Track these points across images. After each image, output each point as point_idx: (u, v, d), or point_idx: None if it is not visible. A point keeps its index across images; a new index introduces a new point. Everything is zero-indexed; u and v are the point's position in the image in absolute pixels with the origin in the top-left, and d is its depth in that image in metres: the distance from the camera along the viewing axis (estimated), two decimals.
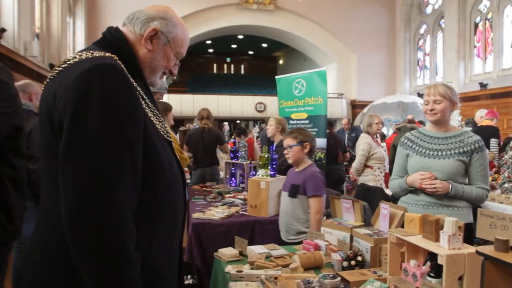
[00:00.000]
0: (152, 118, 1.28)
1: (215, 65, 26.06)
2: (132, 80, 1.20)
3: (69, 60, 1.20)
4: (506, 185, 3.72)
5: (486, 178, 2.35)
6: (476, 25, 13.38)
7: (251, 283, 1.85)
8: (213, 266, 2.34)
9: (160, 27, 1.32)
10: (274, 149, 3.69)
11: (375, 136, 4.92)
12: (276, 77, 5.57)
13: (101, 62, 1.13)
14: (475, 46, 13.43)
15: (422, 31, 16.02)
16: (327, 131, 5.74)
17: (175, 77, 23.04)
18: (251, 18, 15.29)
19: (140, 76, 1.31)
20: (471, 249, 1.46)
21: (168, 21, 1.35)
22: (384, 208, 2.11)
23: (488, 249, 1.08)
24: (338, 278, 1.76)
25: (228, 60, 26.05)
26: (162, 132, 1.32)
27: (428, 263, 1.58)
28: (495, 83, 12.20)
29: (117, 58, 1.21)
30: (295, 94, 5.14)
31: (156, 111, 1.34)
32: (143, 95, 1.27)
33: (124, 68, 1.19)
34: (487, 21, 13.02)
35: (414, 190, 2.43)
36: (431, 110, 2.37)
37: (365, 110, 13.32)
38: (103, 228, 1.01)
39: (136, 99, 1.16)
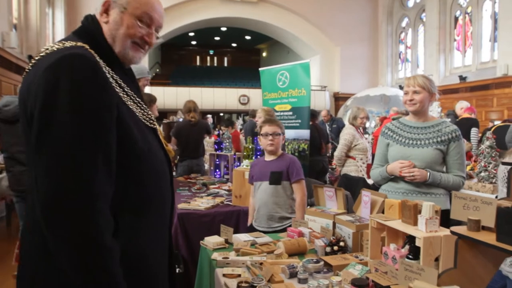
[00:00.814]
0: (131, 106, 1.27)
1: (198, 58, 25.90)
2: (107, 68, 1.20)
3: (42, 52, 1.19)
4: (482, 174, 3.84)
5: (462, 166, 2.44)
6: (456, 19, 13.62)
7: (237, 269, 1.89)
8: (199, 254, 2.38)
9: None
10: (257, 140, 3.72)
11: (358, 128, 5.01)
12: (260, 69, 5.60)
13: (70, 52, 1.12)
14: (455, 40, 13.68)
15: (404, 24, 16.23)
16: (310, 122, 5.81)
17: (157, 70, 22.91)
18: (234, 10, 15.24)
19: (117, 63, 1.29)
20: (447, 231, 1.53)
21: None
22: (366, 196, 2.18)
23: (461, 229, 1.14)
24: (321, 262, 1.82)
25: (211, 52, 25.91)
26: (144, 120, 1.31)
27: (407, 246, 1.65)
28: (474, 76, 12.47)
29: (88, 47, 1.19)
30: (278, 86, 5.17)
31: (137, 99, 1.32)
32: (121, 82, 1.25)
33: (97, 56, 1.18)
34: (466, 15, 13.26)
35: (394, 178, 2.51)
36: (411, 100, 2.44)
37: (348, 102, 13.47)
38: (77, 217, 1.01)
39: (107, 87, 1.14)
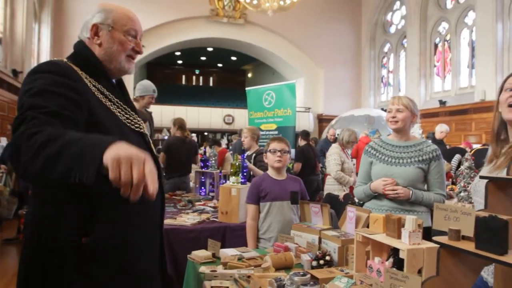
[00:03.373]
0: (114, 110, 1.41)
1: (183, 77, 26.01)
2: (90, 78, 1.40)
3: None
4: (462, 194, 3.96)
5: (443, 185, 2.53)
6: (436, 46, 14.10)
7: (225, 282, 1.92)
8: (186, 268, 2.39)
9: (97, 20, 1.47)
10: (244, 157, 3.78)
11: (345, 150, 5.11)
12: (247, 88, 5.71)
13: (48, 60, 1.43)
14: (435, 65, 14.13)
15: (386, 49, 16.69)
16: (305, 142, 5.91)
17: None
18: (220, 31, 15.46)
19: (104, 75, 1.46)
20: (429, 244, 1.60)
21: (101, 12, 1.49)
22: (351, 211, 2.24)
23: (443, 239, 1.20)
24: (308, 276, 1.85)
25: (197, 72, 26.07)
26: (129, 124, 1.45)
27: (391, 259, 1.70)
28: (453, 100, 12.84)
29: (66, 61, 1.41)
30: (264, 105, 5.28)
31: (123, 105, 1.47)
32: (104, 90, 1.42)
33: (78, 70, 1.39)
34: (446, 42, 13.75)
35: (378, 196, 2.58)
36: (393, 117, 2.54)
37: (333, 122, 13.67)
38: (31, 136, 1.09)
39: (76, 79, 1.34)
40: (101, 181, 0.99)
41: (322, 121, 16.47)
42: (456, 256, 1.20)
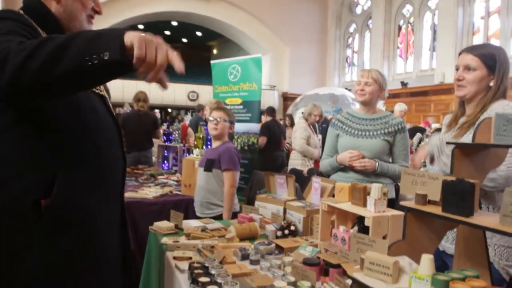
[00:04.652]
0: None
1: None
2: (42, 30, 1.29)
3: None
4: (421, 169, 4.07)
5: (407, 157, 2.57)
6: (400, 28, 14.32)
7: (188, 252, 1.87)
8: (148, 239, 2.32)
9: None
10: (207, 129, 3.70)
11: (311, 125, 5.11)
12: (212, 61, 5.56)
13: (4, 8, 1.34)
14: (398, 47, 14.38)
15: (351, 29, 16.80)
16: (270, 118, 5.86)
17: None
18: (186, 4, 15.01)
19: (60, 32, 1.35)
20: (393, 212, 1.61)
21: None
22: (316, 182, 2.23)
23: (409, 203, 1.20)
24: (273, 245, 1.84)
25: None
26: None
27: (356, 228, 1.71)
28: (414, 82, 13.17)
29: (22, 13, 1.30)
30: (230, 79, 5.16)
31: None
32: None
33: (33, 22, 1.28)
34: (409, 25, 13.99)
35: (344, 168, 2.59)
36: (361, 90, 2.53)
37: (298, 99, 13.71)
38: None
39: (28, 24, 1.24)
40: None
41: (287, 99, 16.50)
42: (422, 221, 1.20)
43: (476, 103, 1.75)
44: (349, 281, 1.30)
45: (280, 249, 1.85)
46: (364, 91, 2.53)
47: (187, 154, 4.30)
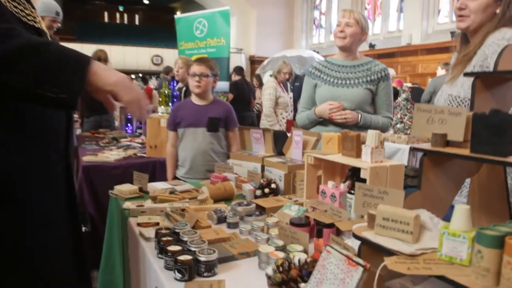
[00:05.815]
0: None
1: (106, 14, 23.88)
2: None
3: None
4: (398, 125, 3.93)
5: (390, 107, 2.38)
6: None
7: (155, 217, 1.62)
8: (109, 206, 2.05)
9: None
10: (175, 86, 3.39)
11: (281, 83, 4.85)
12: (176, 16, 5.16)
13: None
14: (366, 8, 14.12)
15: None
16: (239, 77, 5.56)
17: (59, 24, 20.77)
18: None
19: None
20: (392, 162, 1.41)
21: None
22: (297, 135, 2.00)
23: (426, 146, 0.99)
24: (253, 205, 1.61)
25: (121, 9, 24.03)
26: (19, 15, 1.11)
27: (348, 182, 1.50)
28: (382, 44, 13.04)
29: None
30: (196, 35, 4.80)
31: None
32: None
33: None
34: None
35: (323, 121, 2.37)
36: (341, 31, 2.28)
37: (265, 62, 13.38)
38: None
39: None
40: None
41: (254, 62, 16.10)
42: (440, 167, 0.99)
43: (481, 36, 1.53)
44: (349, 241, 1.09)
45: (261, 210, 1.62)
46: (344, 33, 2.27)
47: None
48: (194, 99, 2.65)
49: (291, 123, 4.85)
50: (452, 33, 10.71)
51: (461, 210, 0.76)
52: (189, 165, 2.59)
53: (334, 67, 2.39)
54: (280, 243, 1.22)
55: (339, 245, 0.98)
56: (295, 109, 5.26)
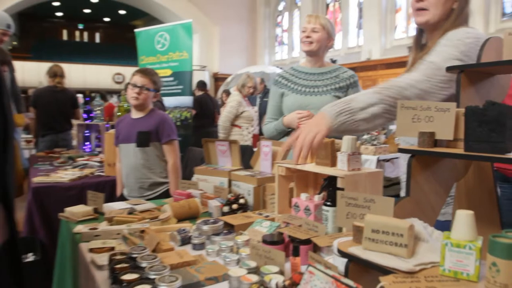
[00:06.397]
0: None
1: (65, 32, 23.26)
2: None
3: None
4: (365, 136, 3.89)
5: None
6: (328, 6, 14.35)
7: (110, 241, 1.44)
8: (60, 230, 1.84)
9: None
10: None
11: (246, 97, 4.74)
12: (136, 30, 4.99)
13: None
14: None
15: (280, 8, 16.59)
16: (202, 92, 5.43)
17: (14, 42, 20.04)
18: None
19: None
20: (369, 169, 1.30)
21: None
22: (266, 146, 1.88)
23: (413, 146, 0.88)
24: (221, 223, 1.46)
25: (81, 26, 23.49)
26: None
27: (322, 194, 1.38)
28: (343, 59, 13.27)
29: None
30: (157, 48, 4.64)
31: None
32: None
33: None
34: (336, 3, 14.05)
35: (292, 131, 2.25)
36: (307, 37, 2.20)
37: (229, 79, 13.36)
38: None
39: None
40: None
41: (218, 79, 16.05)
42: (429, 169, 0.88)
43: (440, 33, 1.44)
44: (330, 259, 0.97)
45: (229, 228, 1.48)
46: (311, 38, 2.19)
47: None
48: (132, 111, 2.52)
49: (257, 138, 4.74)
50: (409, 48, 11.07)
51: (464, 216, 0.65)
52: (126, 183, 2.46)
53: (302, 75, 2.30)
54: (253, 264, 1.07)
55: (320, 264, 0.85)
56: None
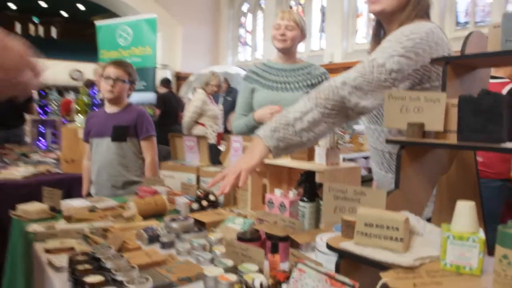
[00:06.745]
0: None
1: (18, 25, 22.18)
2: None
3: None
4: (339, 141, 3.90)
5: None
6: (291, 8, 14.49)
7: (69, 241, 1.32)
8: (11, 231, 1.69)
9: None
10: (94, 93, 3.06)
11: (210, 95, 4.65)
12: (97, 23, 4.78)
13: None
14: None
15: (244, 9, 16.57)
16: (166, 89, 5.29)
17: None
18: None
19: None
20: (347, 164, 1.27)
21: None
22: (236, 141, 1.81)
23: (403, 138, 0.85)
24: (191, 220, 1.38)
25: (36, 20, 22.47)
26: None
27: (295, 191, 1.34)
28: None
29: None
30: (119, 43, 4.48)
31: None
32: None
33: None
34: (300, 6, 14.20)
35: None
36: (282, 35, 2.16)
37: (192, 78, 13.18)
38: None
39: None
40: None
41: (180, 78, 15.82)
42: (418, 162, 0.85)
43: (396, 26, 1.39)
44: (311, 256, 0.91)
45: (200, 225, 1.40)
46: (285, 36, 2.15)
47: None
48: (106, 106, 2.39)
49: (221, 136, 4.67)
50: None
51: (465, 207, 0.61)
52: (96, 181, 2.31)
53: (273, 70, 2.26)
54: (229, 263, 1.01)
55: (310, 262, 0.80)
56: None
